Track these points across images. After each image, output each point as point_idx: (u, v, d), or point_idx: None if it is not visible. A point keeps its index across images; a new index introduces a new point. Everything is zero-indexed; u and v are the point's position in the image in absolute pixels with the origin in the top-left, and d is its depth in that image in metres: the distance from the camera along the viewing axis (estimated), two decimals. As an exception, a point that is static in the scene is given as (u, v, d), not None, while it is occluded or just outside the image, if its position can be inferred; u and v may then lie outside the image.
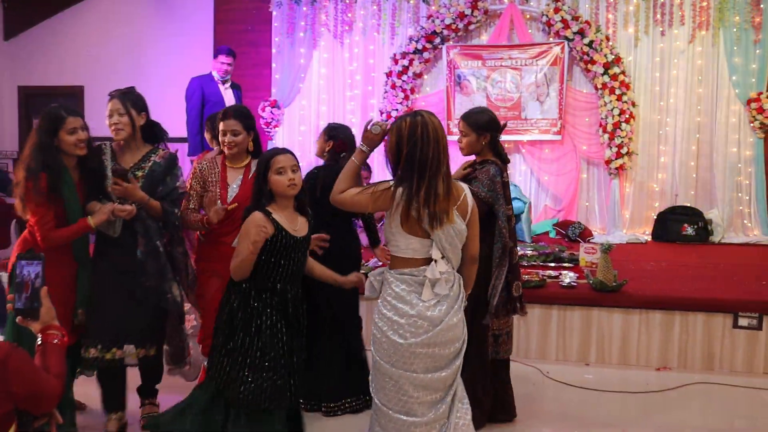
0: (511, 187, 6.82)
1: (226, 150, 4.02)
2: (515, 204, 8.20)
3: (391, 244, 3.10)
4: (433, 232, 3.00)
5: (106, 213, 3.67)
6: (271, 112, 9.51)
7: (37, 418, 2.40)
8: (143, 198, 3.81)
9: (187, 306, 4.34)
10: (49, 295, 2.48)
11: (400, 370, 3.05)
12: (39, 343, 2.41)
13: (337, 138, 4.48)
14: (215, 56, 7.57)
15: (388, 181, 3.08)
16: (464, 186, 3.17)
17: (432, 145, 2.97)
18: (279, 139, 9.72)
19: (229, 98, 7.56)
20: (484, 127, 4.02)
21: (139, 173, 3.90)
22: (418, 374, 3.05)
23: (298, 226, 3.38)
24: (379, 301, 3.15)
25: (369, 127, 3.16)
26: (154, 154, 3.99)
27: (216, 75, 7.52)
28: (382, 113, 9.35)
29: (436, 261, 3.05)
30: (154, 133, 4.04)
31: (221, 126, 4.00)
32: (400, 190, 2.99)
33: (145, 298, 3.86)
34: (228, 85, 7.61)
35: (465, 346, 3.17)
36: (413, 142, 2.96)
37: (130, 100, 3.91)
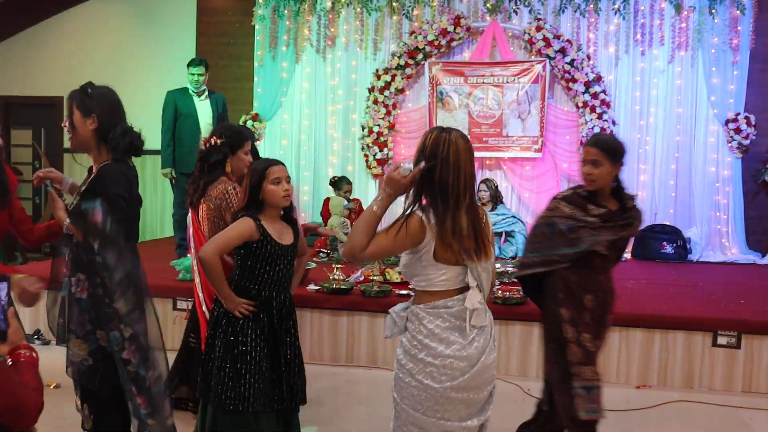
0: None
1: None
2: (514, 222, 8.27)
3: (418, 278, 2.73)
4: (472, 262, 2.68)
5: None
6: (253, 125, 9.48)
7: None
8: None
9: None
10: (15, 315, 2.42)
11: (432, 418, 2.71)
12: (9, 363, 2.35)
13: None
14: (187, 68, 7.51)
15: (408, 213, 2.69)
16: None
17: (452, 171, 2.63)
18: (260, 152, 9.64)
19: (204, 111, 7.50)
20: (621, 155, 3.58)
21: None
22: (453, 422, 2.73)
23: (284, 234, 3.41)
24: (404, 339, 2.78)
25: (399, 171, 2.65)
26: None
27: (190, 87, 7.47)
28: (363, 128, 9.35)
29: (472, 288, 2.71)
30: (117, 144, 3.07)
31: (246, 146, 3.95)
32: (431, 216, 2.65)
33: None
34: (204, 96, 7.53)
35: (495, 391, 2.91)
36: (432, 163, 2.62)
37: (76, 99, 3.08)
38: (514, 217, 8.41)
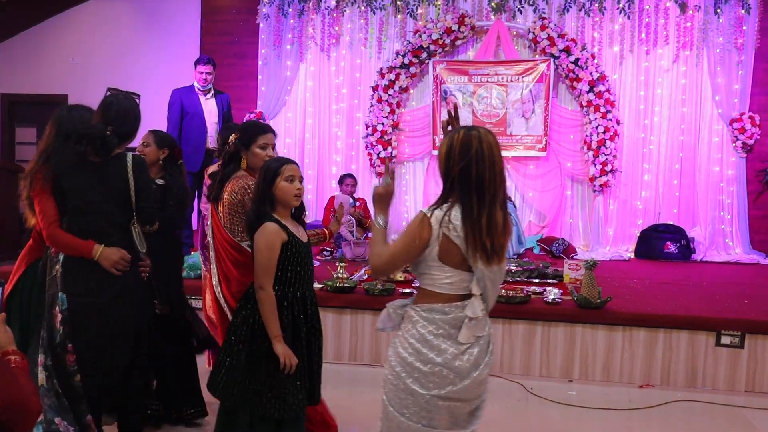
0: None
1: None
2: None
3: (423, 276, 2.69)
4: (477, 267, 2.61)
5: (112, 264, 3.40)
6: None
7: None
8: None
9: None
10: (5, 321, 2.36)
11: (417, 424, 2.66)
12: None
13: (173, 147, 4.32)
14: (195, 66, 7.53)
15: (421, 211, 2.68)
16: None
17: (488, 166, 2.58)
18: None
19: (209, 109, 7.52)
20: None
21: None
22: (437, 430, 2.67)
23: (299, 232, 3.38)
24: (396, 340, 2.74)
25: (381, 184, 2.77)
26: None
27: (197, 85, 7.48)
28: (368, 126, 9.37)
29: (475, 296, 2.65)
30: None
31: (262, 140, 3.85)
32: (437, 213, 2.60)
33: None
34: (210, 95, 7.55)
35: (484, 405, 2.82)
36: (467, 160, 2.57)
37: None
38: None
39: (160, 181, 4.03)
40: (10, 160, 10.66)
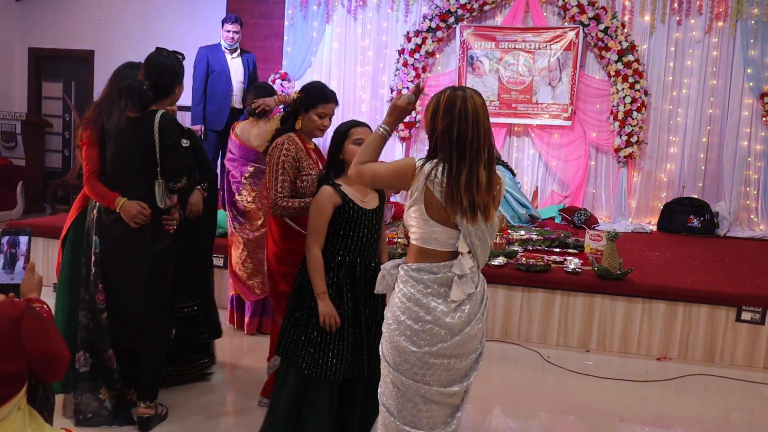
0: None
1: (319, 133, 3.96)
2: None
3: (411, 231, 2.75)
4: (462, 224, 2.65)
5: (130, 217, 3.61)
6: (282, 84, 9.47)
7: (45, 391, 2.39)
8: None
9: None
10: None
11: (410, 380, 2.71)
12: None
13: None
14: (222, 25, 7.55)
15: (413, 158, 2.77)
16: (501, 174, 2.79)
17: (471, 125, 2.63)
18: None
19: (235, 67, 7.57)
20: None
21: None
22: (431, 387, 2.71)
23: (367, 198, 3.36)
24: (393, 298, 2.79)
25: (402, 98, 2.82)
26: None
27: (224, 44, 7.50)
28: (392, 91, 9.33)
29: (462, 254, 2.68)
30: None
31: (321, 108, 3.88)
32: (427, 166, 2.65)
33: None
34: (236, 54, 7.59)
35: (482, 358, 2.84)
36: (449, 119, 2.63)
37: None
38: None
39: (185, 143, 4.06)
40: (36, 115, 10.79)
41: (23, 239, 2.42)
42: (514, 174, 8.55)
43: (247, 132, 5.28)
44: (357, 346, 3.31)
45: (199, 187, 4.18)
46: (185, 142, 4.06)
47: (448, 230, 2.66)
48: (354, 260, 3.34)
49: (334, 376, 3.25)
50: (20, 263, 2.41)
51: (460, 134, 2.61)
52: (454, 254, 2.68)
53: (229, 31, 7.47)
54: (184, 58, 3.82)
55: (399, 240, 6.11)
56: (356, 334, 3.32)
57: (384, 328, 2.80)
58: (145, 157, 3.59)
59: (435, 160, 2.66)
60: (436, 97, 2.71)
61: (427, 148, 2.77)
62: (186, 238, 4.02)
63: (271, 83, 9.30)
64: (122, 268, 3.67)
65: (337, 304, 3.27)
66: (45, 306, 2.39)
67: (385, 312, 2.84)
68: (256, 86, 5.62)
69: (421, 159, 2.70)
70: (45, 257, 6.48)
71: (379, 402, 2.84)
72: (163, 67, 3.66)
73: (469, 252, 2.68)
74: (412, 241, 2.76)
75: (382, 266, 2.92)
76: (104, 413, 3.75)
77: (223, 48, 7.53)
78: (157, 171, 3.62)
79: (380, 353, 2.84)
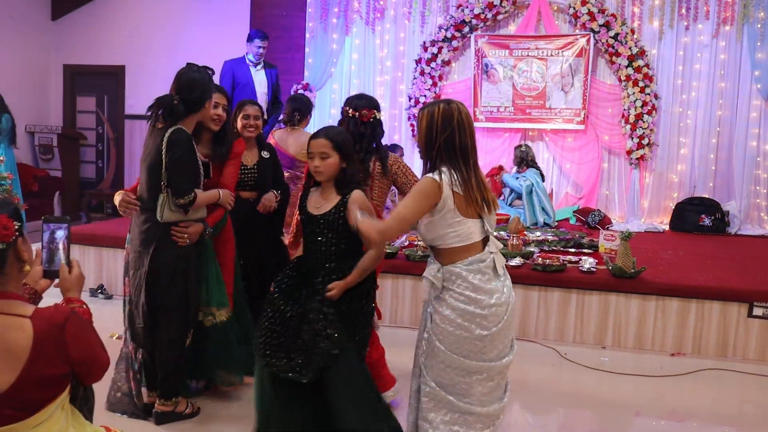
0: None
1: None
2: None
3: (448, 235, 2.91)
4: (484, 214, 2.94)
5: (119, 207, 3.90)
6: (303, 94, 9.68)
7: (86, 390, 2.43)
8: None
9: None
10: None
11: (477, 361, 2.91)
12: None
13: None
14: (250, 40, 7.70)
15: (428, 177, 2.90)
16: (530, 179, 3.13)
17: (468, 134, 2.92)
18: (310, 121, 9.90)
19: (259, 80, 7.73)
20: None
21: None
22: (494, 362, 2.94)
23: (322, 204, 3.39)
24: (448, 298, 2.93)
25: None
26: None
27: (252, 58, 7.68)
28: (410, 98, 9.56)
29: (491, 235, 2.99)
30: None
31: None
32: (445, 177, 2.86)
33: None
34: (260, 67, 7.75)
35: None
36: (450, 129, 2.88)
37: None
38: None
39: (265, 154, 4.57)
40: (71, 128, 11.07)
41: (62, 228, 2.46)
42: (544, 179, 8.68)
43: (284, 140, 5.60)
44: (288, 345, 3.26)
45: (273, 190, 4.51)
46: (265, 154, 4.45)
47: (477, 222, 2.93)
48: (303, 264, 3.47)
49: (260, 357, 3.28)
50: (60, 253, 2.45)
51: (462, 143, 2.89)
52: (484, 240, 2.97)
53: (259, 47, 7.64)
54: (213, 73, 3.89)
55: (420, 243, 6.18)
56: (287, 334, 3.31)
57: (445, 325, 2.92)
58: (154, 169, 3.69)
59: (444, 169, 2.89)
60: (428, 113, 2.94)
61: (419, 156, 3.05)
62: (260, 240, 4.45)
63: (293, 93, 9.54)
64: (132, 268, 3.86)
65: (284, 301, 3.37)
66: (84, 306, 2.42)
67: (439, 311, 2.95)
68: (293, 97, 5.89)
69: (432, 174, 2.89)
70: (81, 263, 6.22)
71: (438, 393, 2.97)
72: (193, 82, 3.74)
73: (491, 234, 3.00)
74: (452, 245, 2.92)
75: (426, 274, 3.01)
76: (124, 400, 4.04)
77: (247, 61, 7.70)
78: (162, 185, 3.69)
79: (437, 348, 2.95)
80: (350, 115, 3.97)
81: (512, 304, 2.99)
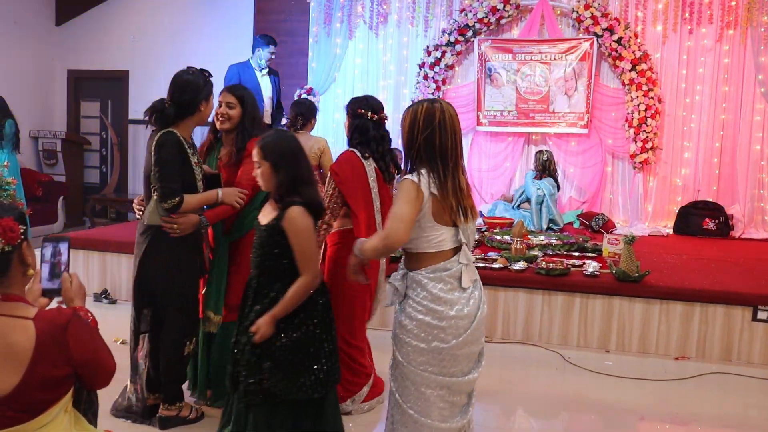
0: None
1: None
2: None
3: (420, 239, 2.82)
4: (459, 222, 2.83)
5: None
6: (307, 99, 9.69)
7: (89, 394, 2.44)
8: None
9: None
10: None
11: (439, 376, 2.84)
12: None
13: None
14: (264, 46, 7.58)
15: (408, 179, 2.80)
16: (543, 187, 3.01)
17: (449, 135, 2.79)
18: (315, 126, 9.91)
19: (265, 85, 7.72)
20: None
21: None
22: (457, 378, 2.86)
23: (267, 213, 3.25)
24: (407, 306, 2.87)
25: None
26: None
27: (263, 63, 7.63)
28: (414, 103, 9.52)
29: (465, 245, 2.86)
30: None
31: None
32: (423, 179, 2.77)
33: None
34: (265, 71, 7.74)
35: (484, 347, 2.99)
36: (431, 129, 2.77)
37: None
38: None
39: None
40: (75, 133, 11.14)
41: (63, 247, 2.46)
42: (559, 188, 8.67)
43: None
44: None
45: None
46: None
47: (451, 229, 2.82)
48: (251, 275, 3.31)
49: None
50: (61, 270, 2.45)
51: (442, 144, 2.78)
52: (456, 249, 2.85)
53: (272, 53, 7.60)
54: (210, 75, 3.83)
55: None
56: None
57: (403, 336, 2.87)
58: (147, 174, 3.74)
59: (423, 171, 2.79)
60: (412, 111, 2.85)
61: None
62: None
63: (297, 98, 9.56)
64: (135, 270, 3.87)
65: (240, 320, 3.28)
66: (90, 314, 2.41)
67: (399, 319, 2.90)
68: (296, 102, 5.90)
69: (410, 176, 2.79)
70: (85, 268, 6.67)
71: (401, 407, 2.91)
72: (186, 84, 3.71)
73: (465, 244, 2.87)
74: (421, 250, 2.84)
75: (390, 279, 2.97)
76: (125, 404, 4.05)
77: (252, 66, 7.71)
78: (151, 188, 3.70)
79: (397, 360, 2.92)
80: (369, 117, 4.01)
81: (479, 318, 2.86)
